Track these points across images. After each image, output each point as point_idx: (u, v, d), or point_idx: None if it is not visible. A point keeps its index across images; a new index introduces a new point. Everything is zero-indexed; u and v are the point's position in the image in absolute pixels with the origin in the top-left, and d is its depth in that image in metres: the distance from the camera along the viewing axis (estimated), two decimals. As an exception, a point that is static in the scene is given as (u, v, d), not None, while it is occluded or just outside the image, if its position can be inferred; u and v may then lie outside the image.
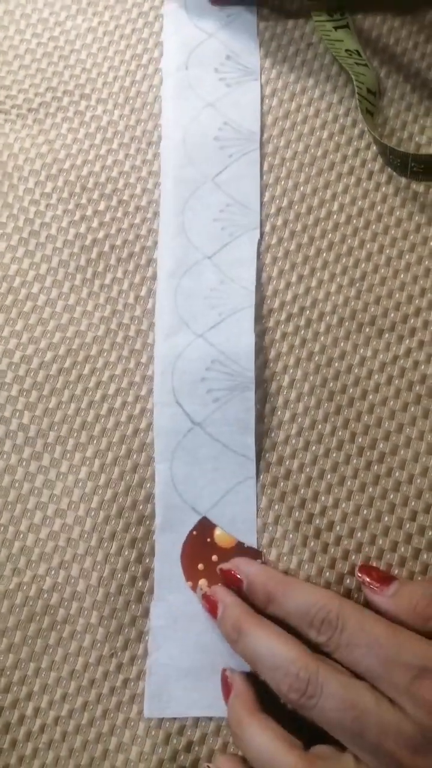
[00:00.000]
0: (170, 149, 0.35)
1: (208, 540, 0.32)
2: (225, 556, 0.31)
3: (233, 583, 0.30)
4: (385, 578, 0.29)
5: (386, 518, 0.31)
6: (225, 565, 0.31)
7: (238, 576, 0.30)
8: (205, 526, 0.32)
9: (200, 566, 0.31)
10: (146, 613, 0.31)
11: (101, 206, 0.35)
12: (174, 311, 0.33)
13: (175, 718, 0.30)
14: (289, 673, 0.27)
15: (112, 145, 0.36)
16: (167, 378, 0.33)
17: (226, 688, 0.30)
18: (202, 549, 0.31)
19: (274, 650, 0.28)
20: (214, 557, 0.31)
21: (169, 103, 0.36)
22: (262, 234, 0.34)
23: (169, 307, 0.33)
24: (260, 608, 0.30)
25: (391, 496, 0.32)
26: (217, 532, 0.32)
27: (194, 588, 0.31)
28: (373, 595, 0.29)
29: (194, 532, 0.32)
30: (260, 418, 0.32)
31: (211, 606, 0.30)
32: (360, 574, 0.30)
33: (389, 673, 0.26)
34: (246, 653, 0.29)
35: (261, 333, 0.33)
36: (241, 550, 0.31)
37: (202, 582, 0.31)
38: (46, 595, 0.31)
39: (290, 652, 0.27)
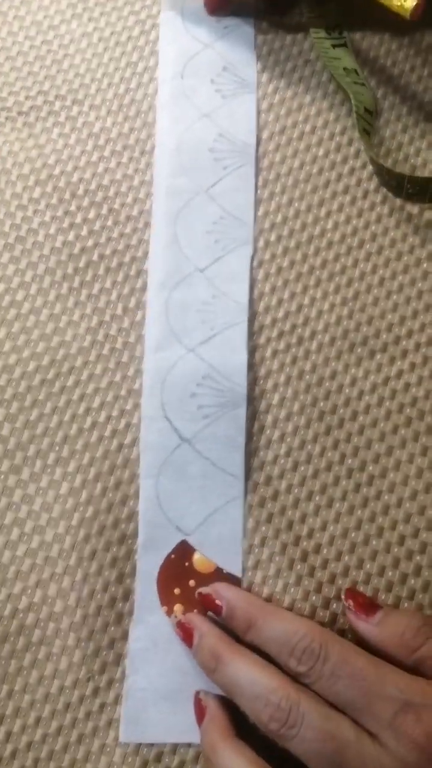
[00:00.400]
0: (164, 158, 0.35)
1: (186, 564, 0.31)
2: (203, 582, 0.30)
3: (211, 608, 0.29)
4: (370, 605, 0.29)
5: (374, 542, 0.31)
6: (204, 589, 0.30)
7: (217, 601, 0.29)
8: (184, 550, 0.31)
9: (176, 591, 0.30)
10: (125, 636, 0.30)
11: (91, 214, 0.34)
12: (165, 324, 0.32)
13: (152, 745, 0.29)
14: (270, 703, 0.26)
15: (103, 153, 0.35)
16: (156, 392, 0.32)
17: (200, 711, 0.29)
18: (179, 573, 0.31)
19: (255, 679, 0.27)
20: (192, 582, 0.31)
21: (163, 111, 0.35)
22: (255, 249, 0.34)
23: (160, 320, 0.33)
24: (239, 634, 0.29)
25: (380, 520, 0.31)
26: (196, 556, 0.31)
27: (169, 613, 0.30)
28: (358, 621, 0.29)
29: (172, 556, 0.31)
30: (249, 436, 0.32)
31: (185, 634, 0.29)
32: (346, 599, 0.29)
33: (372, 706, 0.25)
34: (224, 683, 0.28)
35: (252, 349, 0.33)
36: (220, 576, 0.31)
37: (177, 608, 0.30)
38: (21, 615, 0.30)
39: (271, 681, 0.27)
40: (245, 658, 0.28)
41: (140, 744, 0.29)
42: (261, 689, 0.27)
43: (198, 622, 0.29)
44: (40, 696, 0.30)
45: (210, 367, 0.32)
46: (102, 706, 0.30)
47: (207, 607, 0.30)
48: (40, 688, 0.30)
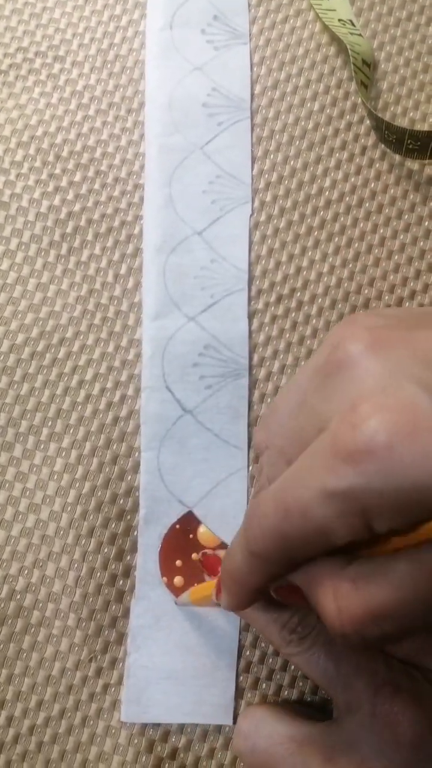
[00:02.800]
0: (155, 115, 0.33)
1: (191, 536, 0.30)
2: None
3: (212, 571, 0.29)
4: None
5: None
6: (209, 552, 0.29)
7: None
8: (189, 521, 0.30)
9: (178, 563, 0.29)
10: (127, 614, 0.29)
11: (77, 177, 0.33)
12: (163, 291, 0.31)
13: (159, 725, 0.29)
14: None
15: (88, 112, 0.33)
16: (157, 361, 0.30)
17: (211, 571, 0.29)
18: (183, 545, 0.30)
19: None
20: (195, 555, 0.30)
21: (152, 65, 0.33)
22: (252, 209, 0.32)
23: (158, 286, 0.31)
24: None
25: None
26: (201, 529, 0.30)
27: (169, 584, 0.29)
28: None
29: (177, 526, 0.30)
30: (249, 405, 0.31)
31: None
32: None
33: (359, 676, 0.25)
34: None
35: (250, 315, 0.31)
36: (224, 551, 0.30)
37: (177, 580, 0.29)
38: (18, 597, 0.29)
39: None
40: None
41: (146, 725, 0.29)
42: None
43: None
44: (41, 679, 0.29)
45: (211, 337, 0.31)
46: (106, 686, 0.29)
47: (209, 569, 0.29)
48: (41, 670, 0.29)
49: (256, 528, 0.21)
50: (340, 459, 0.18)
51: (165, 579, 0.29)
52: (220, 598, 0.25)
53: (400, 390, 0.18)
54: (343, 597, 0.19)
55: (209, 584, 0.27)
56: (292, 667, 0.29)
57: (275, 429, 0.23)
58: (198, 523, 0.30)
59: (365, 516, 0.18)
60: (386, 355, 0.20)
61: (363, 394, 0.19)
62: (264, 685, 0.29)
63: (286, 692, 0.29)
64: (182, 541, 0.30)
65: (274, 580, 0.22)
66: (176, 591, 0.29)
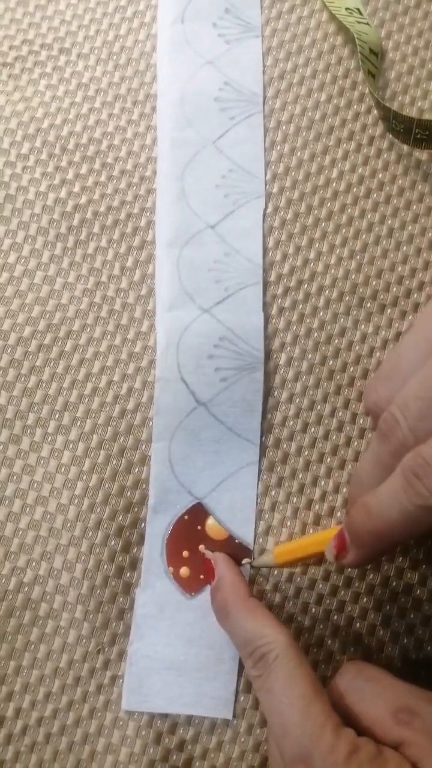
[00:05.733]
0: (167, 109, 0.33)
1: (199, 528, 0.30)
2: (213, 548, 0.30)
3: (209, 575, 0.29)
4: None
5: (388, 503, 0.30)
6: (208, 554, 0.29)
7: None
8: (198, 513, 0.30)
9: (185, 553, 0.29)
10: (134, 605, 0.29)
11: (83, 169, 0.32)
12: (177, 283, 0.31)
13: (166, 716, 0.29)
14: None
15: (94, 104, 0.33)
16: (172, 352, 0.30)
17: (208, 569, 0.29)
18: (190, 536, 0.30)
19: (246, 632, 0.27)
20: (202, 547, 0.30)
21: (164, 59, 0.33)
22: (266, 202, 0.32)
23: (171, 278, 0.31)
24: (216, 614, 0.28)
25: (394, 480, 0.30)
26: (210, 521, 0.30)
27: (175, 574, 0.29)
28: None
29: (186, 517, 0.30)
30: (264, 399, 0.30)
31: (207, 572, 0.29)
32: None
33: (282, 740, 0.24)
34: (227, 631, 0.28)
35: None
36: (231, 544, 0.30)
37: (184, 570, 0.29)
38: (26, 589, 0.29)
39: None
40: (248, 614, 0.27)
41: (153, 716, 0.29)
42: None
43: (221, 565, 0.29)
44: (49, 671, 0.29)
45: (227, 329, 0.31)
46: (113, 678, 0.29)
47: (206, 573, 0.29)
48: (49, 662, 0.29)
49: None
50: None
51: (171, 569, 0.29)
52: (343, 556, 0.26)
53: None
54: None
55: (305, 542, 0.28)
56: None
57: (399, 383, 0.24)
58: (207, 514, 0.30)
59: None
60: None
61: None
62: (271, 678, 0.29)
63: (293, 685, 0.29)
64: (190, 532, 0.30)
65: None
66: (182, 581, 0.29)
